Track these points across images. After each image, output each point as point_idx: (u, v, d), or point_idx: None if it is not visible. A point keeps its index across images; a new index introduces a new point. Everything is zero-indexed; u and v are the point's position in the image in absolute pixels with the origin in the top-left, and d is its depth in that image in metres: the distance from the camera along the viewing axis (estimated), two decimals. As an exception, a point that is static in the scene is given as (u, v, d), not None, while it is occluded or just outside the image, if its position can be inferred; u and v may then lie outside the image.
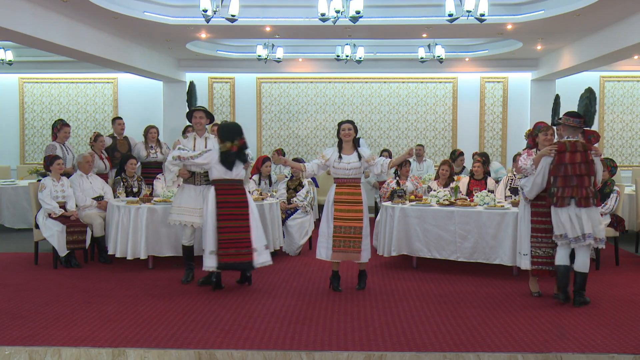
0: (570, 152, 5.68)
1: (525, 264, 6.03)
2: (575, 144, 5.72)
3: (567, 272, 5.71)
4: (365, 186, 10.54)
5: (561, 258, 5.73)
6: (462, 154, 10.64)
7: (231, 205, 6.21)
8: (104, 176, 8.55)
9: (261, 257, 6.30)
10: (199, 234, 6.76)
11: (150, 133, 9.18)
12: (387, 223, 7.30)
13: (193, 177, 6.55)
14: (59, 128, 8.48)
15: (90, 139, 8.88)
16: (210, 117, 6.72)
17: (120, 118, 9.54)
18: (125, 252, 7.16)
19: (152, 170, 8.91)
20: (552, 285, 6.07)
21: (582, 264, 5.68)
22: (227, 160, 6.20)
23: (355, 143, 6.30)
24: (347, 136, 6.24)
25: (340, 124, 6.31)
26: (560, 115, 5.98)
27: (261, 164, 8.78)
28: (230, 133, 6.25)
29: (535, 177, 5.81)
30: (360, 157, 6.21)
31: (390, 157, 11.17)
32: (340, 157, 6.23)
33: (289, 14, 9.59)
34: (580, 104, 6.18)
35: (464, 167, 10.42)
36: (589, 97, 6.04)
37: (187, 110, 6.71)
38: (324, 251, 6.23)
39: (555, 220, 5.74)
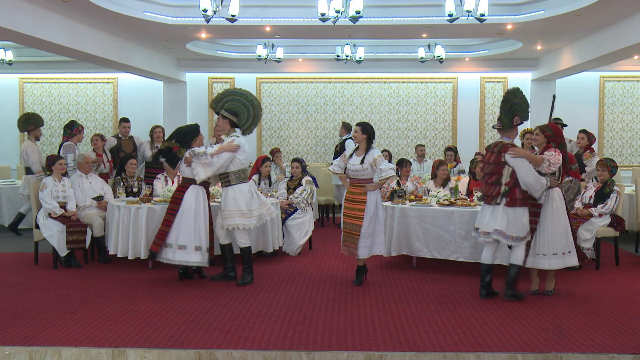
0: (490, 153, 5.94)
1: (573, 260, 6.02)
2: (496, 144, 5.92)
3: (488, 270, 5.92)
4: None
5: (485, 256, 5.96)
6: (450, 149, 10.70)
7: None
8: (104, 176, 8.57)
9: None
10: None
11: (155, 133, 9.29)
12: (387, 223, 7.29)
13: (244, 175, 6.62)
14: (79, 130, 8.59)
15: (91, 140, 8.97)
16: None
17: (127, 120, 9.51)
18: (125, 252, 7.16)
19: (155, 170, 8.90)
20: (543, 286, 6.08)
21: (516, 257, 5.85)
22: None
23: (368, 144, 6.39)
24: (355, 138, 6.44)
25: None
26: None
27: (261, 164, 8.77)
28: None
29: None
30: (364, 159, 6.30)
31: (390, 158, 11.22)
32: (351, 156, 6.44)
33: (289, 14, 9.60)
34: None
35: (456, 164, 10.47)
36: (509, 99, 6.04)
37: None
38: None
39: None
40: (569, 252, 5.93)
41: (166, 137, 6.82)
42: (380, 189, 8.90)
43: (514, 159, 5.72)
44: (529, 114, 6.11)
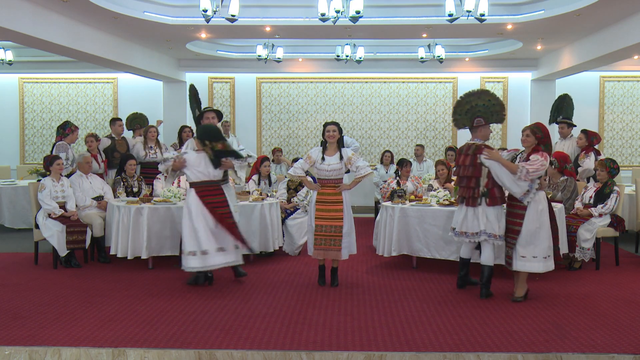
0: (464, 155, 5.95)
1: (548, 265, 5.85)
2: (469, 147, 5.94)
3: (466, 264, 6.25)
4: (365, 186, 10.49)
5: (465, 251, 6.22)
6: (451, 148, 10.73)
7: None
8: (98, 176, 8.57)
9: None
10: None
11: (149, 132, 9.24)
12: (387, 223, 7.30)
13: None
14: (73, 130, 8.58)
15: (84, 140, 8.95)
16: (220, 115, 7.00)
17: (120, 119, 9.55)
18: (125, 252, 7.16)
19: (150, 170, 8.90)
20: (543, 286, 6.08)
21: (486, 258, 5.94)
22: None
23: (340, 144, 6.39)
24: (332, 138, 6.35)
25: (325, 125, 6.42)
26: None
27: (260, 164, 8.78)
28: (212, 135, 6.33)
29: None
30: (341, 158, 6.30)
31: (392, 159, 11.22)
32: (323, 158, 6.34)
33: (289, 14, 9.60)
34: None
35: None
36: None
37: (192, 111, 7.12)
38: (310, 247, 6.53)
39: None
40: (549, 256, 5.79)
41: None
42: (381, 189, 8.93)
43: (489, 160, 5.77)
44: (506, 115, 6.15)
